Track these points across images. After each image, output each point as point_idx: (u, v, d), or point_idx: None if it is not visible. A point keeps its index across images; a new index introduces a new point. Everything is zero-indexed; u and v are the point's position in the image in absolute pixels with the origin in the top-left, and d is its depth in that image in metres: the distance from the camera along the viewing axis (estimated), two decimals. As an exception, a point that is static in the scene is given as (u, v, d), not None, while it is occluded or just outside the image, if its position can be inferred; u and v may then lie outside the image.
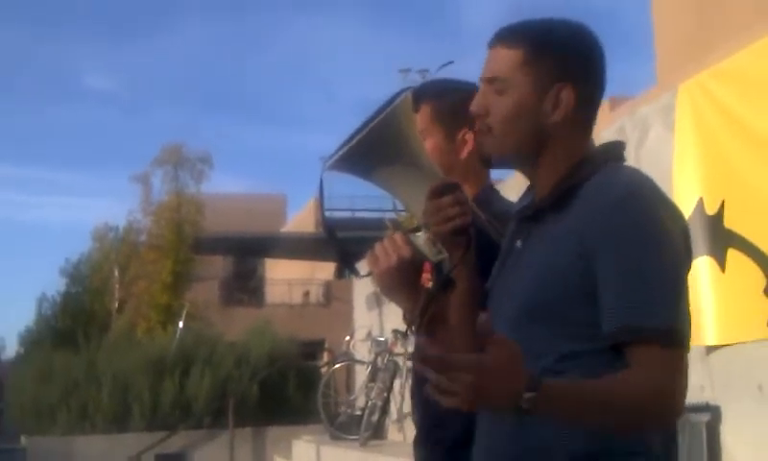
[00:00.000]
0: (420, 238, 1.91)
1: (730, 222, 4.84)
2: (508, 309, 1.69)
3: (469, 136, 2.27)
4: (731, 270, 4.81)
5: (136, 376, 13.37)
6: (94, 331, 16.39)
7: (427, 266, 2.09)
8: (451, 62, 2.84)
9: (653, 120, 5.53)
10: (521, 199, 1.87)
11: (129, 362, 13.67)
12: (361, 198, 28.80)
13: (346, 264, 2.14)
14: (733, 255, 4.79)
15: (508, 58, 1.72)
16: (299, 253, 32.94)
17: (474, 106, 1.77)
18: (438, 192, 1.76)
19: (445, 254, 1.87)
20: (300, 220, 35.56)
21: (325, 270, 33.48)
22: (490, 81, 1.74)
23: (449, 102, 2.29)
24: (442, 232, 1.78)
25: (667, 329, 1.51)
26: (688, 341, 1.55)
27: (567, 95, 1.69)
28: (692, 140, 5.17)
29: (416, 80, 10.97)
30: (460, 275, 1.82)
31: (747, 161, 4.77)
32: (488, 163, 1.84)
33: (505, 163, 1.82)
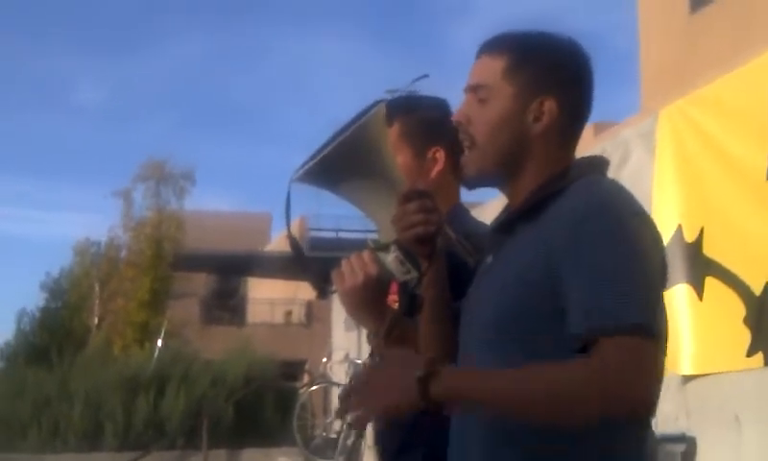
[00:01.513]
0: (389, 257, 1.85)
1: (709, 250, 4.80)
2: (479, 325, 1.63)
3: (440, 155, 2.21)
4: (709, 298, 4.77)
5: (110, 395, 13.26)
6: (70, 348, 16.24)
7: (394, 287, 2.03)
8: (426, 76, 2.77)
9: (634, 144, 5.51)
10: (498, 217, 1.81)
11: (102, 380, 13.55)
12: (346, 218, 28.73)
13: (315, 283, 2.08)
14: (712, 284, 4.75)
15: (492, 66, 1.69)
16: (282, 272, 32.77)
17: (457, 115, 1.73)
18: (406, 198, 1.71)
19: (414, 274, 1.81)
20: (285, 239, 35.41)
21: (308, 290, 33.28)
22: (473, 89, 1.70)
23: (419, 119, 2.23)
24: (405, 239, 1.73)
25: (635, 324, 1.41)
26: (661, 338, 1.45)
27: (551, 107, 1.64)
28: (672, 166, 5.14)
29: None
30: (425, 288, 1.77)
31: (726, 189, 4.74)
32: (470, 184, 1.79)
33: (486, 178, 1.75)
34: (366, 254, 1.95)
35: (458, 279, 1.82)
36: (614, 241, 1.48)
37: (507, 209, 1.76)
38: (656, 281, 1.51)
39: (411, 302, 1.92)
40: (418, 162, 2.22)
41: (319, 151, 1.82)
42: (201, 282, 31.83)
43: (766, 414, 4.46)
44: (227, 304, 34.05)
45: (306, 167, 1.83)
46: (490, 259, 1.71)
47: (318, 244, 30.00)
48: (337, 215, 28.61)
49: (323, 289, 2.16)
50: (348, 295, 1.94)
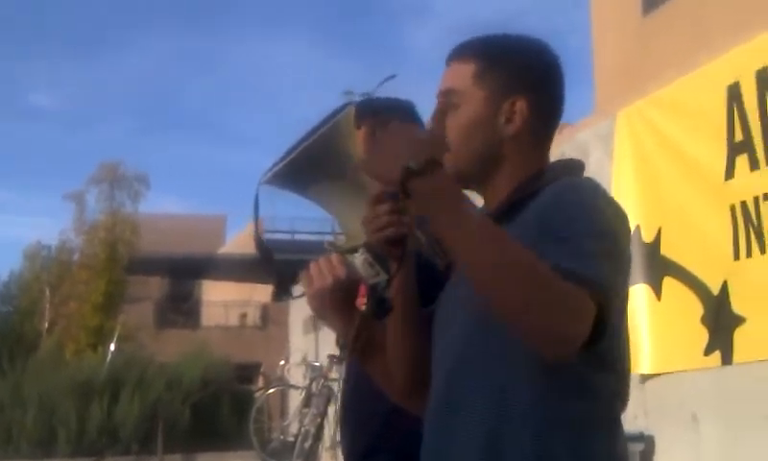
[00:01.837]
0: (357, 259, 1.84)
1: (666, 250, 4.85)
2: (460, 323, 1.63)
3: (406, 157, 2.20)
4: (667, 298, 4.81)
5: (63, 400, 13.05)
6: (22, 353, 15.96)
7: (362, 290, 2.01)
8: (394, 76, 2.76)
9: (593, 146, 5.55)
10: None
11: (56, 385, 13.34)
12: (301, 220, 28.63)
13: (280, 285, 2.06)
14: (670, 284, 4.79)
15: (461, 71, 1.70)
16: (236, 274, 32.58)
17: (430, 121, 1.73)
18: (377, 200, 1.70)
19: (383, 276, 1.80)
20: (239, 241, 35.19)
21: (263, 292, 33.16)
22: (444, 94, 1.72)
23: (385, 121, 2.22)
24: (375, 241, 1.71)
25: (594, 282, 1.42)
26: (609, 311, 1.46)
27: (522, 107, 1.66)
28: (630, 167, 5.18)
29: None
30: (395, 292, 1.75)
31: (685, 190, 4.79)
32: None
33: (461, 180, 1.76)
34: (334, 257, 1.94)
35: (427, 281, 1.81)
36: (582, 219, 1.50)
37: (482, 211, 1.76)
38: (620, 260, 1.53)
39: (379, 304, 1.90)
40: None
41: (287, 153, 1.80)
42: (155, 286, 31.52)
43: (723, 412, 4.51)
44: (181, 308, 33.74)
45: (275, 169, 1.81)
46: None
47: (273, 246, 29.86)
48: (292, 217, 28.56)
49: (287, 292, 2.14)
50: (317, 297, 1.92)
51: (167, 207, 45.33)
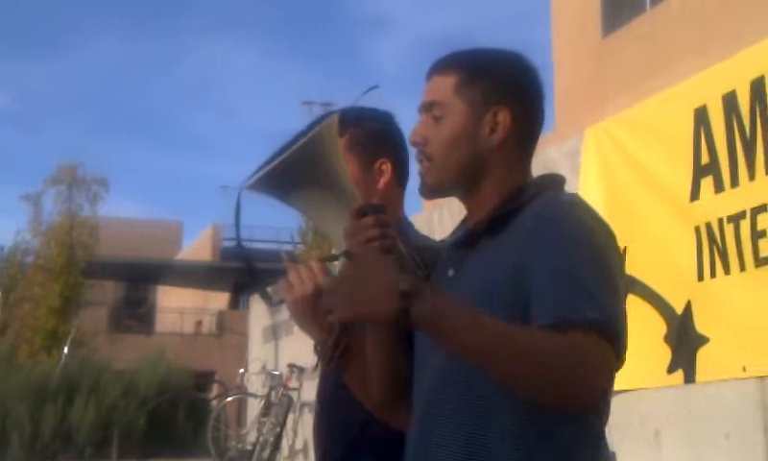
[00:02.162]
0: (337, 267, 1.84)
1: (631, 268, 4.88)
2: None
3: (386, 166, 2.22)
4: (631, 316, 4.78)
5: (16, 403, 12.85)
6: (-28, 354, 15.70)
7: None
8: (376, 87, 2.77)
9: (560, 163, 5.58)
10: (456, 230, 1.82)
11: (8, 388, 13.13)
12: (258, 228, 28.50)
13: (259, 291, 2.04)
14: (634, 302, 4.83)
15: (443, 84, 1.72)
16: (192, 281, 32.38)
17: (412, 135, 1.75)
18: (360, 213, 1.70)
19: (363, 285, 1.79)
20: (196, 248, 35.01)
21: (219, 300, 32.96)
22: (427, 106, 1.73)
23: (366, 130, 2.23)
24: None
25: (601, 321, 1.45)
26: (621, 340, 1.50)
27: (504, 117, 1.68)
28: (596, 185, 5.23)
29: (319, 112, 10.96)
30: None
31: (650, 209, 4.84)
32: (428, 194, 1.80)
33: (444, 191, 1.78)
34: (315, 265, 1.94)
35: None
36: (576, 240, 1.52)
37: (464, 224, 1.77)
38: (616, 275, 1.55)
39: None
40: (365, 174, 2.21)
41: (271, 159, 1.79)
42: (109, 290, 31.20)
43: (686, 430, 4.56)
44: (136, 313, 33.44)
45: (258, 175, 1.80)
46: (451, 273, 1.71)
47: (230, 254, 29.75)
48: (249, 225, 28.43)
49: (268, 298, 2.13)
50: (297, 305, 1.92)
51: (121, 210, 44.84)
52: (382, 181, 2.22)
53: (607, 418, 1.63)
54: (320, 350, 1.93)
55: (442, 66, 1.74)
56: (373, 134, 2.22)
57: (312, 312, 1.91)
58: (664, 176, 4.78)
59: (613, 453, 4.75)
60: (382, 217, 1.72)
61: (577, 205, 1.61)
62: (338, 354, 1.85)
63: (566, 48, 12.66)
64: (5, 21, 52.62)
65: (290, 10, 60.18)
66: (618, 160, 5.14)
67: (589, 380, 1.43)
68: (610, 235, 1.60)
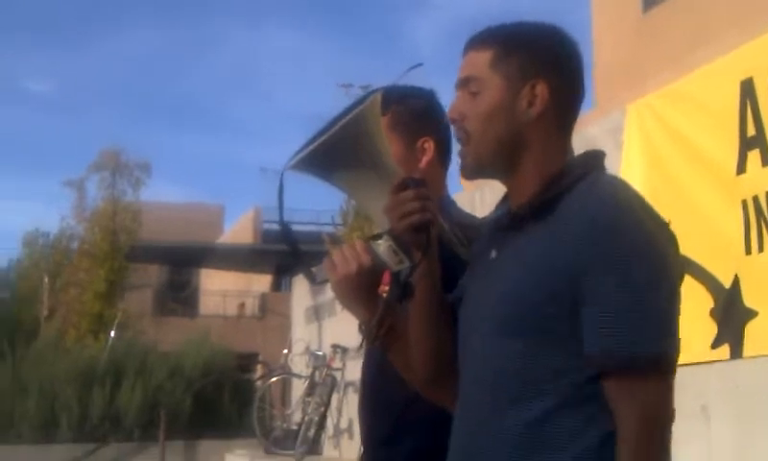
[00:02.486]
0: (381, 246, 1.83)
1: (677, 243, 4.84)
2: (482, 322, 1.63)
3: (429, 145, 2.21)
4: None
5: (65, 386, 13.05)
6: (21, 339, 15.95)
7: (386, 277, 2.00)
8: (420, 64, 2.76)
9: (602, 140, 5.53)
10: (497, 208, 1.80)
11: (57, 371, 13.34)
12: (298, 211, 28.59)
13: (303, 270, 2.05)
14: (680, 277, 4.79)
15: (479, 59, 1.70)
16: (235, 264, 32.62)
17: (450, 111, 1.73)
18: (401, 187, 1.69)
19: (407, 263, 1.79)
20: (237, 231, 35.23)
21: (261, 282, 33.19)
22: (464, 82, 1.71)
23: (409, 109, 2.22)
24: (400, 228, 1.70)
25: (654, 357, 1.47)
26: (675, 365, 1.51)
27: (542, 90, 1.65)
28: (640, 160, 5.18)
29: (358, 94, 10.96)
30: (418, 278, 1.75)
31: (696, 183, 4.79)
32: (469, 174, 1.77)
33: (484, 170, 1.75)
34: (358, 244, 1.93)
35: (449, 269, 1.81)
36: (637, 260, 1.50)
37: (506, 202, 1.75)
38: (674, 305, 1.55)
39: (403, 291, 1.89)
40: (407, 152, 2.21)
41: (313, 139, 1.79)
42: (154, 274, 31.53)
43: (733, 405, 4.52)
44: (179, 296, 33.76)
45: (301, 155, 1.80)
46: (494, 254, 1.70)
47: (271, 236, 29.89)
48: (290, 208, 28.40)
49: (312, 277, 2.12)
50: (341, 284, 1.91)
51: (163, 195, 45.26)
52: (425, 160, 2.22)
53: None
54: (364, 329, 1.92)
55: (477, 42, 1.72)
56: (416, 113, 2.21)
57: (356, 291, 1.90)
58: (709, 149, 4.71)
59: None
60: (422, 190, 1.72)
61: (629, 202, 1.57)
62: (382, 333, 1.84)
63: (607, 27, 12.51)
64: (46, 10, 53.23)
65: (329, -8, 60.20)
66: (662, 135, 5.08)
67: (667, 428, 1.53)
68: (665, 233, 1.59)
